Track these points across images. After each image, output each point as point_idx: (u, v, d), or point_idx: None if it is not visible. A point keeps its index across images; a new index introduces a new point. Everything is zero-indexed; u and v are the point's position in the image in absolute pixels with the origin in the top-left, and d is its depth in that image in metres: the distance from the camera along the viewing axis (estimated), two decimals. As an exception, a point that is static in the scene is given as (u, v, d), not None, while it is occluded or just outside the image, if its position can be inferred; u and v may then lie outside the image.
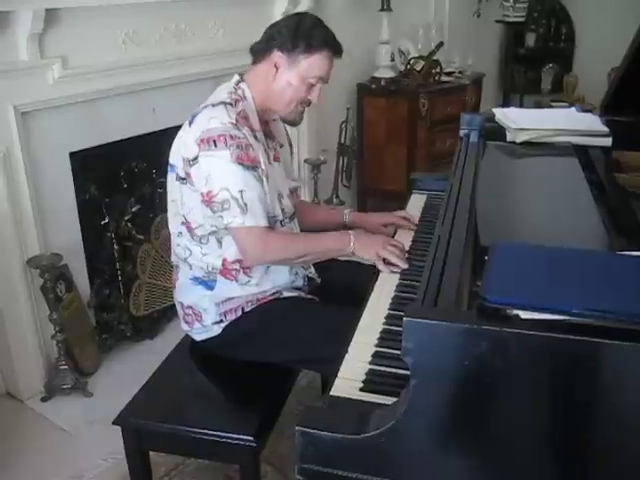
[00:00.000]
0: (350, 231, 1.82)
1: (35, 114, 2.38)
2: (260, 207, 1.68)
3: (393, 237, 1.97)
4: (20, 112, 2.30)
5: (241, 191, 1.64)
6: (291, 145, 2.04)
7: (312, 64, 1.74)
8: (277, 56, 1.74)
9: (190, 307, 1.83)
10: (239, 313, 1.79)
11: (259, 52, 1.78)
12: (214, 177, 1.65)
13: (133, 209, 2.83)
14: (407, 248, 1.85)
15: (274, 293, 1.81)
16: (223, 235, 1.73)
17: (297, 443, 1.09)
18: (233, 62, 2.76)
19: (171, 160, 1.76)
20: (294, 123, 1.89)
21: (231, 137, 1.64)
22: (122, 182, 2.80)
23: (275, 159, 1.86)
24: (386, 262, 1.73)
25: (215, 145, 1.63)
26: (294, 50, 1.72)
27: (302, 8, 3.28)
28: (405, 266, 1.72)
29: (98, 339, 2.72)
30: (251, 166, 1.67)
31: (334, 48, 1.77)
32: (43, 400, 2.49)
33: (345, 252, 1.79)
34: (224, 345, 1.80)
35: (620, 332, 0.92)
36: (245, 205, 1.65)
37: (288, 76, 1.74)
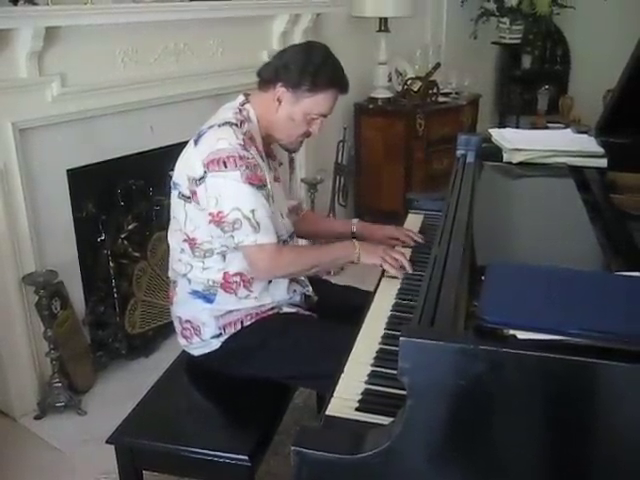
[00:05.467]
0: (354, 240, 1.87)
1: (33, 131, 2.38)
2: (270, 225, 1.69)
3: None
4: (18, 129, 2.30)
5: (253, 210, 1.65)
6: (292, 161, 2.06)
7: (315, 103, 1.74)
8: (281, 91, 1.73)
9: (189, 321, 1.82)
10: (238, 327, 1.78)
11: (264, 81, 1.78)
12: (225, 198, 1.65)
13: (130, 227, 2.82)
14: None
15: (273, 308, 1.82)
16: (229, 252, 1.74)
17: (292, 463, 1.08)
18: (232, 81, 2.77)
19: (175, 178, 1.77)
20: (294, 151, 1.95)
21: (240, 158, 1.64)
22: (119, 199, 2.79)
23: (276, 179, 1.88)
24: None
25: (225, 166, 1.63)
26: (299, 87, 1.72)
27: (301, 28, 3.31)
28: (410, 270, 1.75)
29: (93, 357, 2.71)
30: (260, 185, 1.68)
31: (340, 87, 1.76)
32: (36, 418, 2.47)
33: (351, 259, 1.80)
34: (222, 360, 1.79)
35: (617, 353, 0.92)
36: (257, 224, 1.66)
37: (290, 111, 1.75)
